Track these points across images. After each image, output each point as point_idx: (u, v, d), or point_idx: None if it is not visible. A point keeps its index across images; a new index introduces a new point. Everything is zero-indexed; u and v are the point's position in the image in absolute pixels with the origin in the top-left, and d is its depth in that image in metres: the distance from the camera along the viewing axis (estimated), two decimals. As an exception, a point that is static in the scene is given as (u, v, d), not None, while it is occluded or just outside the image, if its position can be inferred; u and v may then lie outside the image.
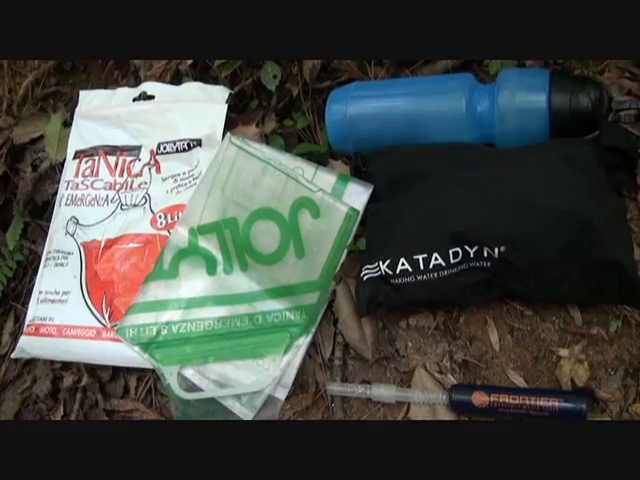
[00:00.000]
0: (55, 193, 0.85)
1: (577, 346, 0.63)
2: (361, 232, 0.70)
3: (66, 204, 0.81)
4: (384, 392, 0.64)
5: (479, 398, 0.60)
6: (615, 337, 0.63)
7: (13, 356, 0.78)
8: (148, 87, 0.84)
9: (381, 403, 0.66)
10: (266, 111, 0.81)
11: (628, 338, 0.63)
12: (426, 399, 0.62)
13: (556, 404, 0.58)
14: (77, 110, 0.87)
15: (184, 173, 0.77)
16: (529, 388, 0.63)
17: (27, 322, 0.78)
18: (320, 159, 0.76)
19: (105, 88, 0.90)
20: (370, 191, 0.69)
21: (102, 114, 0.85)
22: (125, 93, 0.85)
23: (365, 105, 0.71)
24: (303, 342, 0.68)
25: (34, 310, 0.78)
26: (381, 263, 0.63)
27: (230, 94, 0.79)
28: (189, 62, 0.84)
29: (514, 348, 0.65)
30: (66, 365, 0.78)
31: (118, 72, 0.95)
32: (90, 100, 0.87)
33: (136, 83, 0.88)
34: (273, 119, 0.79)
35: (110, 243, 0.76)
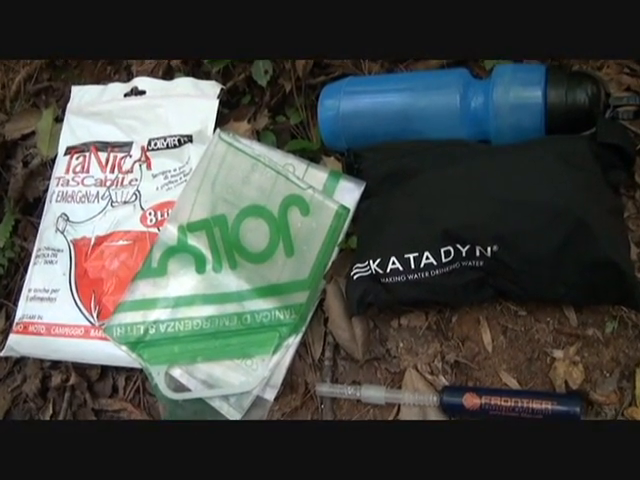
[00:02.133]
0: (46, 190, 0.85)
1: (572, 347, 0.62)
2: (353, 230, 0.68)
3: (56, 201, 0.80)
4: (374, 393, 0.63)
5: (470, 400, 0.59)
6: (611, 338, 0.62)
7: (2, 354, 0.77)
8: (139, 82, 0.82)
9: (371, 404, 0.65)
10: (258, 107, 0.80)
11: (624, 340, 0.61)
12: (416, 400, 0.61)
13: (549, 407, 0.57)
14: (69, 106, 0.86)
15: (175, 170, 0.75)
16: (522, 390, 0.62)
17: (16, 320, 0.77)
18: (313, 156, 0.75)
19: (97, 83, 0.88)
20: (362, 188, 0.68)
21: (93, 110, 0.84)
22: (116, 88, 0.84)
23: (358, 101, 0.70)
24: (292, 342, 0.67)
25: (23, 308, 0.77)
26: (371, 262, 0.61)
27: (222, 89, 0.78)
28: (181, 57, 0.83)
29: (507, 349, 0.64)
30: (55, 364, 0.77)
31: (110, 67, 0.94)
32: (82, 96, 0.86)
33: (128, 78, 0.87)
34: (265, 115, 0.78)
35: (100, 240, 0.75)
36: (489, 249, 0.58)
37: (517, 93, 0.63)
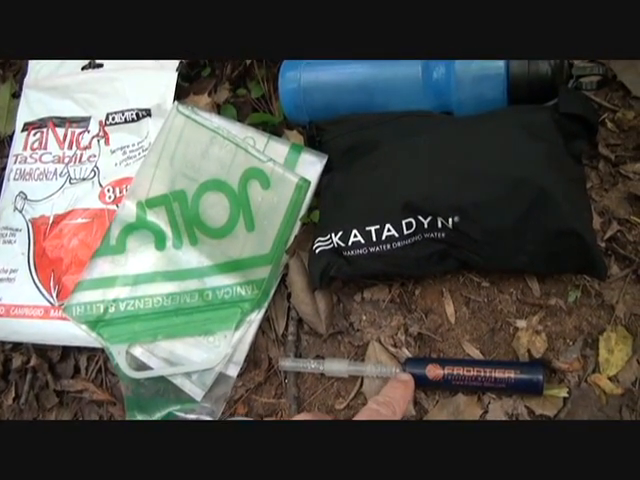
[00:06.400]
0: (4, 168, 0.82)
1: (535, 317, 0.62)
2: (316, 204, 0.67)
3: (14, 179, 0.78)
4: (336, 367, 0.62)
5: (433, 371, 0.59)
6: (574, 307, 0.62)
7: (-39, 337, 0.75)
8: (97, 55, 0.80)
9: (335, 378, 0.65)
10: (219, 80, 0.78)
11: (587, 308, 0.62)
12: (379, 373, 0.61)
13: (512, 376, 0.57)
14: (26, 80, 0.83)
15: (133, 145, 0.74)
16: (484, 360, 0.62)
17: (-24, 302, 0.75)
18: (275, 129, 0.73)
19: (56, 57, 0.86)
20: (324, 161, 0.67)
21: (51, 84, 0.81)
22: (74, 62, 0.81)
23: (319, 73, 0.69)
24: (255, 318, 0.66)
25: (-18, 290, 0.75)
26: (333, 235, 0.61)
27: (181, 62, 0.76)
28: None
29: (470, 320, 0.63)
30: (16, 346, 0.76)
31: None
32: (39, 69, 0.83)
33: (86, 51, 0.84)
34: (226, 88, 0.76)
35: (59, 219, 0.74)
36: (450, 220, 0.58)
37: (479, 64, 0.62)
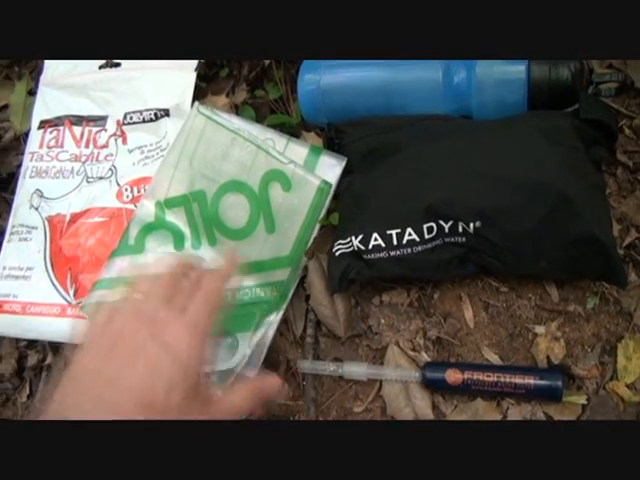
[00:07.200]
0: (20, 165, 0.82)
1: (553, 323, 0.62)
2: (334, 207, 0.67)
3: (30, 176, 0.78)
4: (355, 369, 0.62)
5: (453, 375, 0.59)
6: (592, 314, 0.62)
7: (-23, 334, 0.75)
8: (115, 54, 0.80)
9: (353, 381, 0.65)
10: (237, 80, 0.78)
11: (605, 315, 0.62)
12: (399, 376, 0.61)
13: (531, 381, 0.58)
14: (42, 78, 0.83)
15: (151, 144, 0.73)
16: (504, 365, 0.62)
17: (-10, 299, 0.75)
18: (292, 131, 0.73)
19: (72, 55, 0.86)
20: (343, 164, 0.67)
21: (68, 82, 0.81)
22: (91, 60, 0.81)
23: (339, 74, 0.69)
24: (274, 319, 0.66)
25: (-2, 287, 0.75)
26: (354, 238, 0.61)
27: (199, 62, 0.76)
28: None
29: (489, 325, 0.64)
30: (31, 343, 0.75)
31: (85, 39, 0.91)
32: (56, 67, 0.83)
33: (103, 50, 0.84)
34: (244, 89, 0.76)
35: (75, 217, 0.73)
36: (472, 225, 0.58)
37: (500, 68, 0.62)
